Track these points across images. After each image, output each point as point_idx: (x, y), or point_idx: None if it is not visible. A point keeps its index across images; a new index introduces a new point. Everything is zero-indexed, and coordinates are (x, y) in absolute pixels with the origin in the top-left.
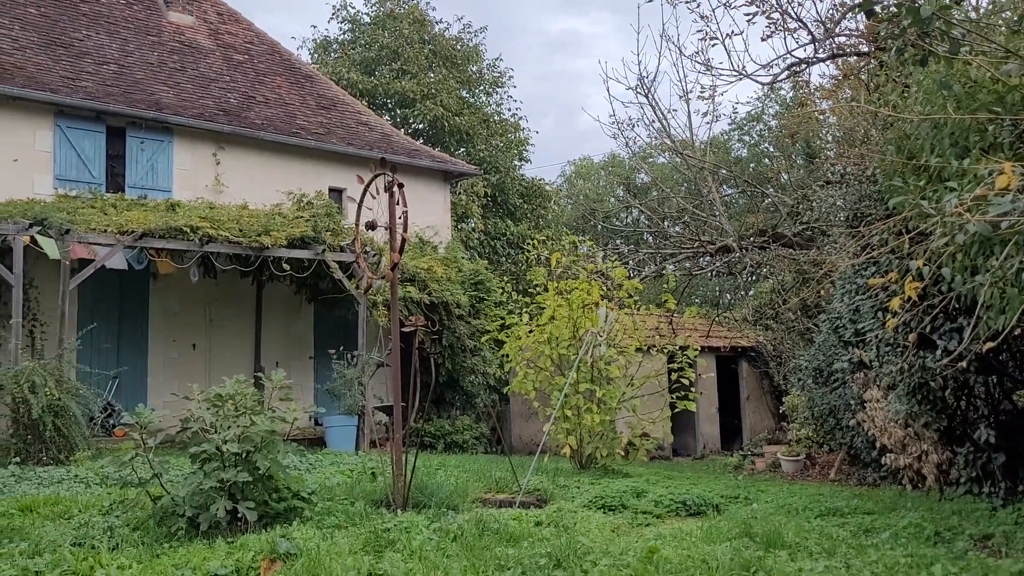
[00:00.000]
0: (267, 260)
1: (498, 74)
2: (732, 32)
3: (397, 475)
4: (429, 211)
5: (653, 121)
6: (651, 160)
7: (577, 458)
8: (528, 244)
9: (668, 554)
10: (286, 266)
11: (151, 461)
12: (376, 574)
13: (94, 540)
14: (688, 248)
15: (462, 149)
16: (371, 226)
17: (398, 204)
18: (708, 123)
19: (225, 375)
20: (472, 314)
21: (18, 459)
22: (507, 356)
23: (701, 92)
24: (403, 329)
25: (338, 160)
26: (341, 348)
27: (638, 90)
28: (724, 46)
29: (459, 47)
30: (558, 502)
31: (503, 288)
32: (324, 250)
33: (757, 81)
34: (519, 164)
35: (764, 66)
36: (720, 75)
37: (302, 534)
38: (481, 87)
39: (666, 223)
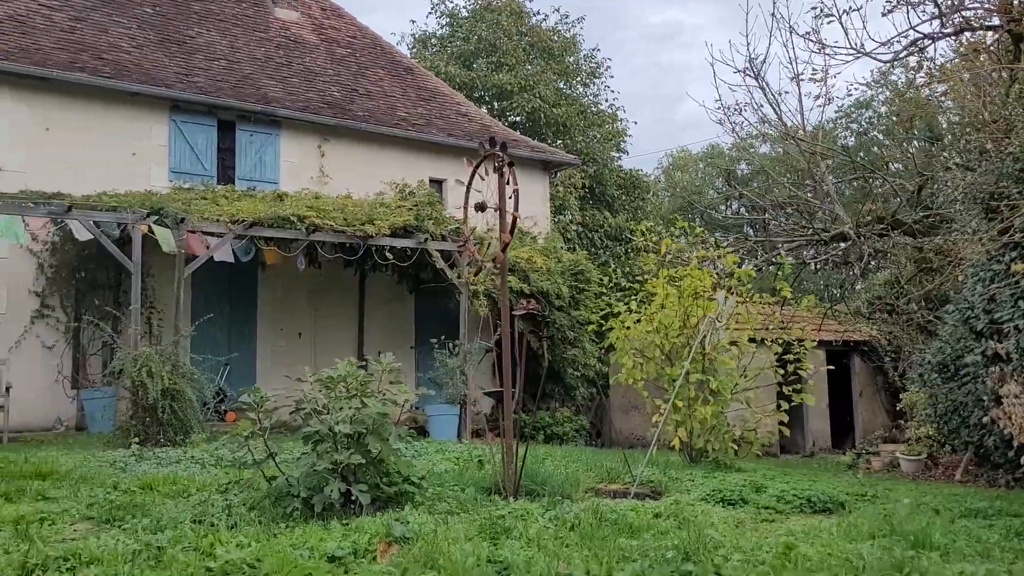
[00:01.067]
0: (371, 249)
1: (595, 65)
2: (849, 8)
3: (507, 463)
4: (529, 202)
5: (761, 105)
6: (753, 149)
7: (687, 451)
8: (635, 232)
9: (806, 551)
10: (389, 255)
11: (266, 441)
12: (495, 560)
13: (213, 518)
14: (800, 236)
15: (559, 141)
16: (481, 207)
17: (508, 183)
18: (820, 107)
19: (329, 364)
20: (572, 305)
21: (137, 440)
22: (613, 346)
23: (813, 73)
24: (514, 312)
25: (438, 151)
26: (443, 338)
27: (746, 72)
28: (841, 23)
29: (556, 38)
30: (673, 494)
31: (610, 276)
32: (427, 239)
33: (877, 59)
34: (617, 155)
35: (884, 43)
36: (836, 54)
37: (415, 519)
38: (578, 78)
39: (768, 213)
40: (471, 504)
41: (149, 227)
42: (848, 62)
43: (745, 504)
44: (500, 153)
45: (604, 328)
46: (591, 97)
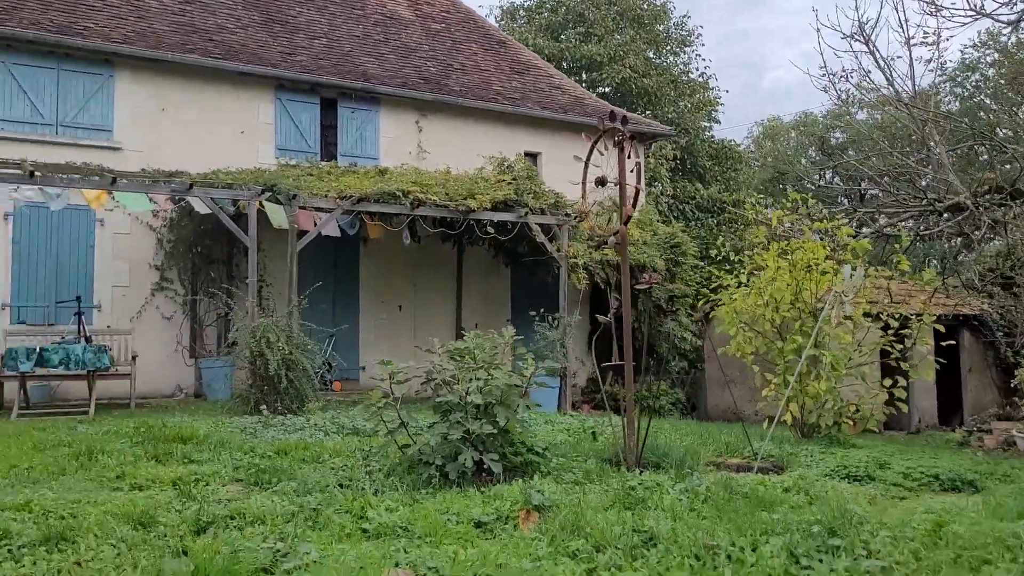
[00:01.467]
0: (471, 223)
1: (686, 33)
2: None
3: (629, 434)
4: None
5: (869, 71)
6: (848, 117)
7: (798, 426)
8: (744, 205)
9: (957, 529)
10: (490, 229)
11: (398, 410)
12: (640, 530)
13: (357, 483)
14: (914, 206)
15: (649, 111)
16: (601, 181)
17: (629, 157)
18: (933, 71)
19: (429, 335)
20: (668, 278)
21: (265, 408)
22: (707, 318)
23: (925, 37)
24: (637, 286)
25: (533, 124)
26: (542, 311)
27: (855, 37)
28: None
29: (645, 7)
30: (796, 469)
31: (718, 249)
32: (527, 213)
33: (998, 20)
34: (708, 125)
35: (1006, 3)
36: (952, 16)
37: (548, 488)
38: (668, 47)
39: (864, 184)
40: (596, 475)
41: (261, 203)
42: (966, 24)
43: (872, 480)
44: (620, 127)
45: (706, 301)
46: (681, 66)
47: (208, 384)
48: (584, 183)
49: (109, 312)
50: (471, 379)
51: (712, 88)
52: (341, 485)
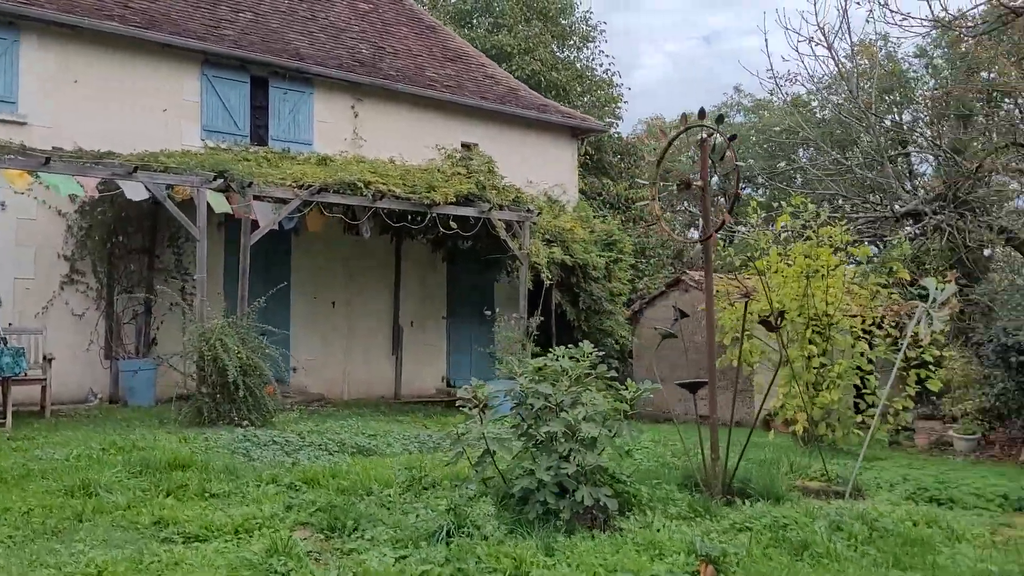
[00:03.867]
0: (435, 218)
1: (589, 28)
2: None
3: (715, 459)
4: (557, 169)
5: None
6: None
7: (803, 435)
8: (749, 213)
9: None
10: (452, 224)
11: (487, 438)
12: None
13: (466, 527)
14: (874, 214)
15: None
16: (686, 184)
17: (722, 159)
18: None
19: (364, 333)
20: (606, 276)
21: (215, 420)
22: (635, 317)
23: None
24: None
25: (469, 114)
26: (497, 310)
27: (815, 42)
28: None
29: (551, 2)
30: (875, 493)
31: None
32: (491, 208)
33: (964, 34)
34: (613, 121)
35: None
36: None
37: (676, 528)
38: (571, 42)
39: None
40: (702, 507)
41: (197, 190)
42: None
43: (953, 503)
44: (715, 128)
45: (638, 299)
46: (585, 61)
47: (129, 389)
48: (655, 182)
49: (11, 308)
50: (573, 404)
51: (617, 85)
52: (449, 533)
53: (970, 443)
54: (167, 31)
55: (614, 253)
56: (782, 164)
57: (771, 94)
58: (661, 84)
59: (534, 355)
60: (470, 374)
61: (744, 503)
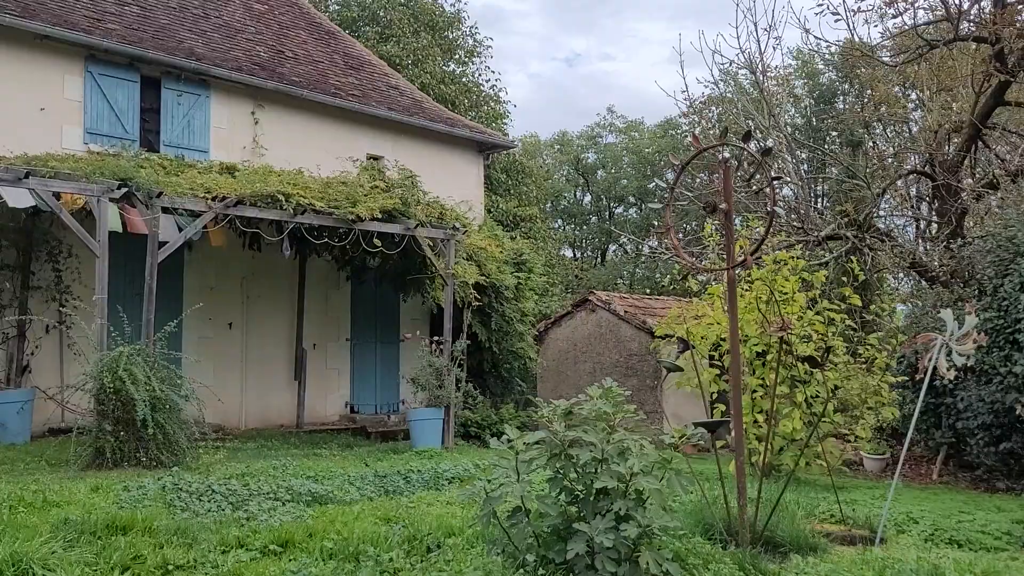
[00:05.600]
0: (358, 234)
1: (475, 43)
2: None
3: (741, 506)
4: (463, 185)
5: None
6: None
7: (759, 466)
8: (706, 227)
9: None
10: (376, 242)
11: (523, 488)
12: None
13: None
14: (797, 238)
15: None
16: (711, 207)
17: (757, 175)
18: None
19: (263, 356)
20: (516, 296)
21: (123, 461)
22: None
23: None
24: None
25: (375, 125)
26: (418, 332)
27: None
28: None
29: (438, 12)
30: (895, 536)
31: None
32: (417, 225)
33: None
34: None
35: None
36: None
37: None
38: (457, 56)
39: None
40: (749, 563)
41: (97, 199)
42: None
43: (971, 544)
44: (746, 147)
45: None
46: (471, 76)
47: None
48: (669, 203)
49: None
50: (618, 452)
51: (505, 101)
52: None
53: (879, 463)
54: (47, 21)
55: (524, 273)
56: (652, 184)
57: (683, 116)
58: (528, 103)
59: (458, 381)
60: (375, 400)
61: (781, 557)
